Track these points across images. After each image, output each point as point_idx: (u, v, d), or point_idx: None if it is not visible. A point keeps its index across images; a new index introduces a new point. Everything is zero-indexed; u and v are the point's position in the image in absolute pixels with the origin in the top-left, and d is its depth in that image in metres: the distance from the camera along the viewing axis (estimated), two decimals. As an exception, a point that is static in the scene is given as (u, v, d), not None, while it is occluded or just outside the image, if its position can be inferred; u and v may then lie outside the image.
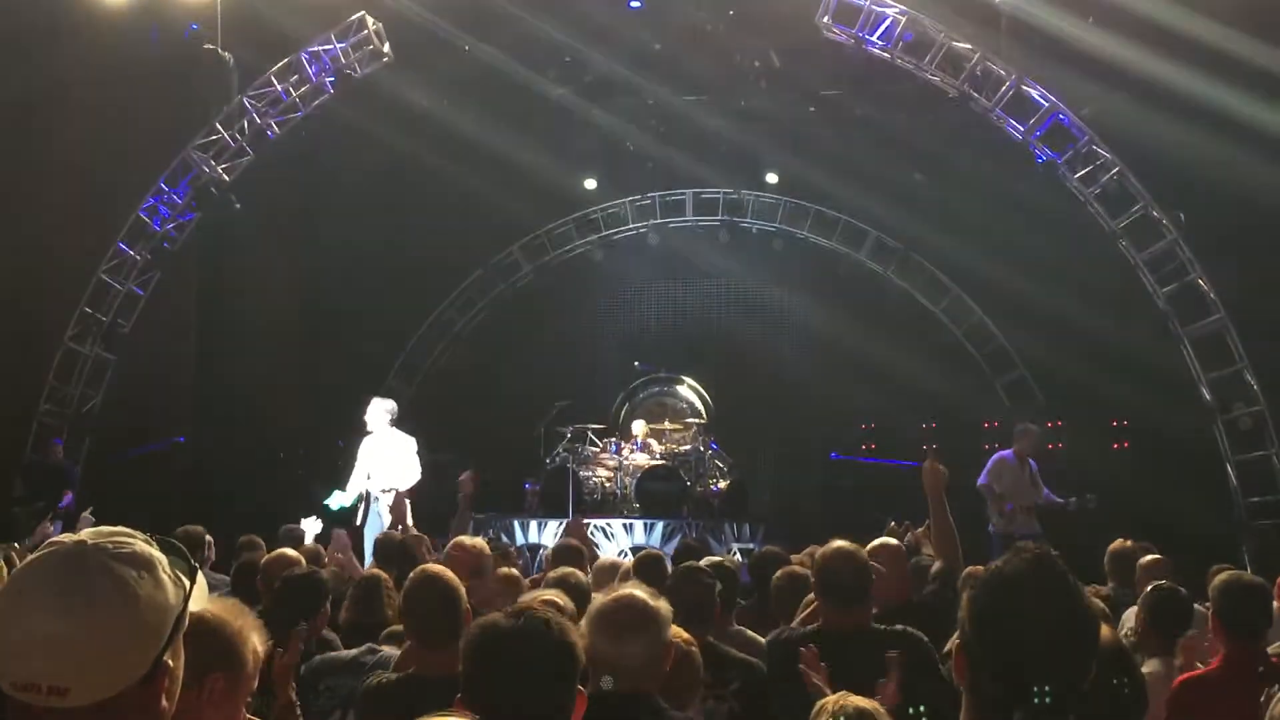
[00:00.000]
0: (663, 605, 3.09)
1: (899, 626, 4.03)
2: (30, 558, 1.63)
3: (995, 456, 10.84)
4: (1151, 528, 8.54)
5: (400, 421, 10.45)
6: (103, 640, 1.52)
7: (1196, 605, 4.77)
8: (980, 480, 10.55)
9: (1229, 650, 4.06)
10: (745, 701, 3.92)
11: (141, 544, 1.64)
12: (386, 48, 13.08)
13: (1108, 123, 11.90)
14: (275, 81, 13.14)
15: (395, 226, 15.74)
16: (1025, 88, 11.66)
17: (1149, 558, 6.43)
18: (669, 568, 5.79)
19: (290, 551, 6.28)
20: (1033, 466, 10.70)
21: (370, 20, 12.82)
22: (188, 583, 1.64)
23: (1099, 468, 13.09)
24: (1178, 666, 4.26)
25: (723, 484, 14.58)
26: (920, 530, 6.06)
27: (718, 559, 5.67)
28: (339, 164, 13.59)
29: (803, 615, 4.69)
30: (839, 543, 4.23)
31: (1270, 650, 4.24)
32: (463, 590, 3.80)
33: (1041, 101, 11.67)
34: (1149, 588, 4.62)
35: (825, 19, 11.94)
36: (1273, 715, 2.80)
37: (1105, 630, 3.81)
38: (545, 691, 2.33)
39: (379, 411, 10.31)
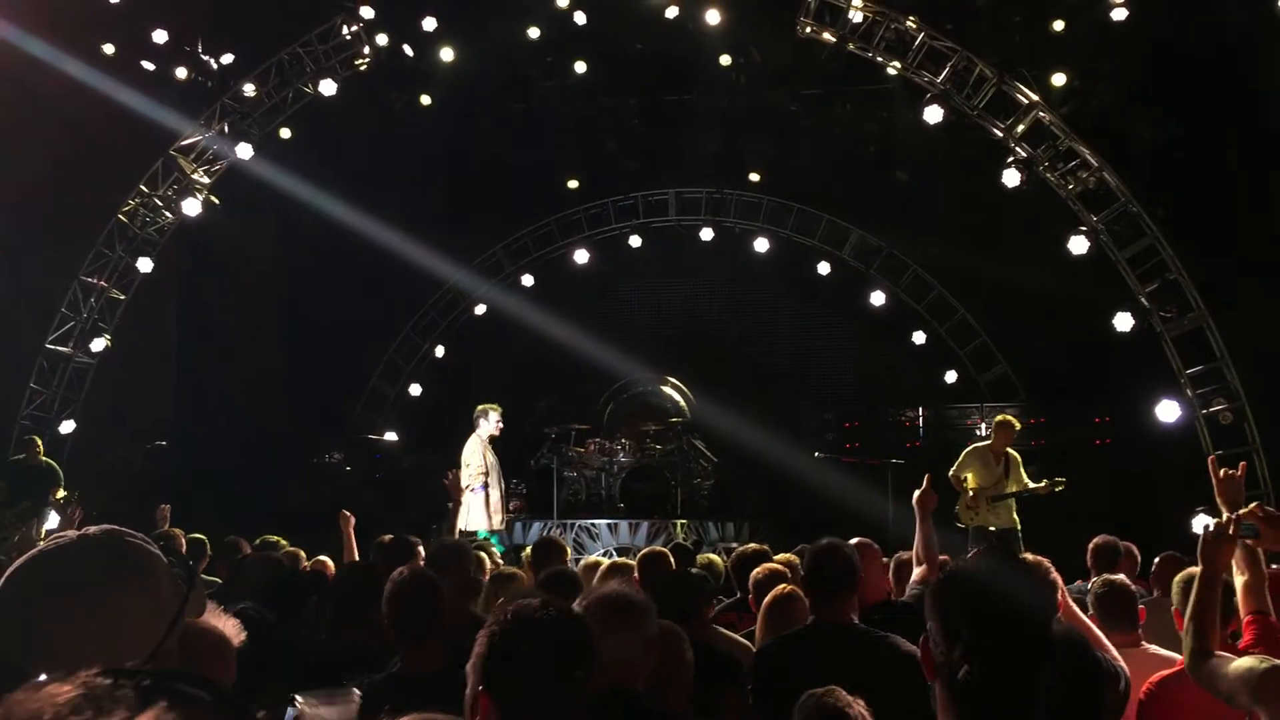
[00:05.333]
0: (647, 601, 3.08)
1: (884, 633, 3.99)
2: (33, 550, 1.64)
3: (969, 449, 10.80)
4: (1134, 524, 8.57)
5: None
6: (98, 630, 1.53)
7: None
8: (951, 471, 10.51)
9: None
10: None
11: (141, 543, 1.66)
12: (366, 50, 13.06)
13: (1088, 120, 11.95)
14: (256, 84, 13.12)
15: (378, 226, 15.66)
16: (1006, 86, 11.70)
17: (1098, 541, 6.61)
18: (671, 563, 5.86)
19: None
20: (1011, 459, 10.61)
21: (350, 23, 12.81)
22: (185, 587, 1.67)
23: (1081, 463, 13.11)
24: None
25: (707, 483, 14.55)
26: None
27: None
28: (320, 164, 13.53)
29: (762, 613, 4.67)
30: (827, 539, 4.24)
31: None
32: (443, 589, 3.80)
33: (1022, 99, 11.72)
34: (1094, 583, 4.63)
35: (806, 18, 11.99)
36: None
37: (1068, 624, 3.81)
38: (564, 682, 2.26)
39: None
